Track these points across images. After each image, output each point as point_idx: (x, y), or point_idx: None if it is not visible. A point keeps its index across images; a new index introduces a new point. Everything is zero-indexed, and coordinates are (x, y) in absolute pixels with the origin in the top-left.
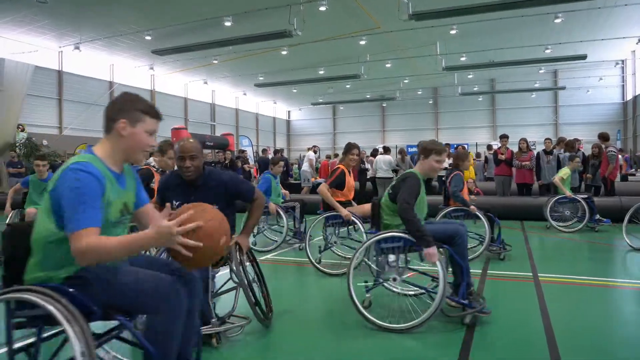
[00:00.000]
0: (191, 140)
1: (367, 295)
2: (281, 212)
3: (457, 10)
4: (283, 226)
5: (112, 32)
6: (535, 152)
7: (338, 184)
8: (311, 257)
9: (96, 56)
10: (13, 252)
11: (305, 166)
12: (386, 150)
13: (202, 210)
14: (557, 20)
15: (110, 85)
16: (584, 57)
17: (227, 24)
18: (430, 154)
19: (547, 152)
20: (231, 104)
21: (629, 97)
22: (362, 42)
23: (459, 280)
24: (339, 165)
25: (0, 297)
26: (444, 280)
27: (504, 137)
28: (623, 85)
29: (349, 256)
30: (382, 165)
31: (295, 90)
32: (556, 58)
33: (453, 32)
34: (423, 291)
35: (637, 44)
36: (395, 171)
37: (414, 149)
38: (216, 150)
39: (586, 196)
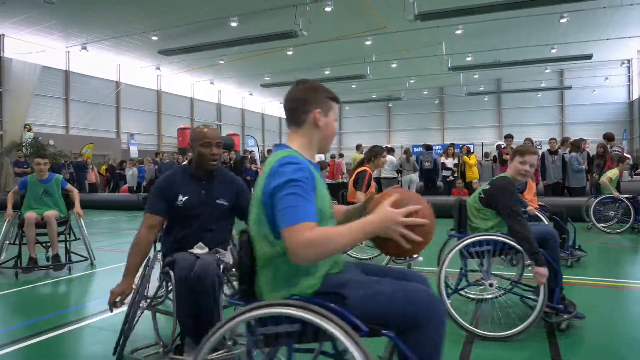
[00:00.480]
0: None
1: (448, 301)
2: None
3: (461, 10)
4: None
5: (118, 32)
6: (540, 152)
7: (368, 187)
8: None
9: (103, 56)
10: (251, 262)
11: None
12: (389, 150)
13: (423, 206)
14: (563, 20)
15: (116, 85)
16: (589, 56)
17: (233, 24)
18: (514, 155)
19: (552, 152)
20: (237, 104)
21: (635, 96)
22: (368, 42)
23: (553, 285)
24: (366, 169)
25: (257, 313)
26: (546, 285)
27: (508, 137)
28: (629, 85)
29: (365, 257)
30: (385, 166)
31: None
32: (562, 58)
33: (458, 32)
34: (498, 295)
35: None
36: (399, 171)
37: (420, 149)
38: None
39: (631, 196)
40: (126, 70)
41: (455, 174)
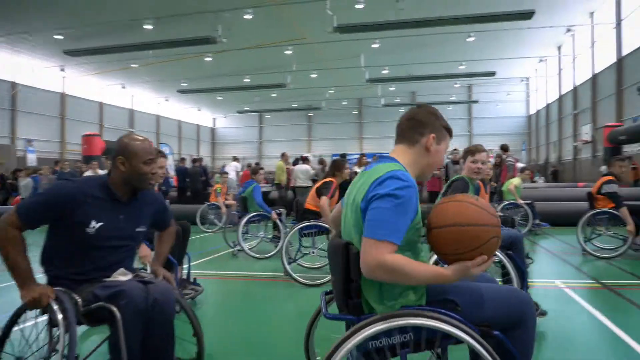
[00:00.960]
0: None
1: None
2: (280, 220)
3: (377, 25)
4: (277, 236)
5: (15, 28)
6: (444, 162)
7: (332, 197)
8: (289, 269)
9: None
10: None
11: (231, 175)
12: (305, 160)
13: (477, 237)
14: (470, 39)
15: (12, 86)
16: (493, 73)
17: (148, 27)
18: (466, 156)
19: (455, 162)
20: (152, 109)
21: (532, 111)
22: (288, 52)
23: (520, 285)
24: (332, 179)
25: (391, 324)
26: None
27: None
28: (527, 101)
29: (316, 266)
30: (300, 175)
31: (220, 98)
32: (469, 74)
33: (375, 45)
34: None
35: (539, 62)
36: (314, 180)
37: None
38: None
39: (529, 202)
40: (25, 70)
41: None
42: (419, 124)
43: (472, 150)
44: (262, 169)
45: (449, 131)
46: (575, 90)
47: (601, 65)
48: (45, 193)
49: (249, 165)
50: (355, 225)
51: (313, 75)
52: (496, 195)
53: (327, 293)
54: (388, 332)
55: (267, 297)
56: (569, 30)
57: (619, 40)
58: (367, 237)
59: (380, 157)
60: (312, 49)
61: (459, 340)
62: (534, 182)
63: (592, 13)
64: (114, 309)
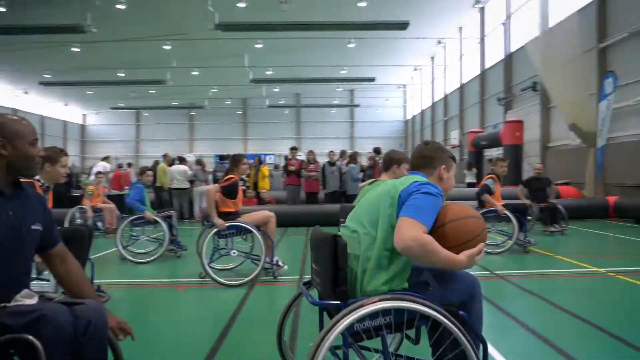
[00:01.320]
0: None
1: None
2: (160, 221)
3: (260, 26)
4: (162, 239)
5: None
6: (321, 164)
7: (230, 191)
8: (209, 270)
9: None
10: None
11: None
12: (182, 160)
13: (472, 230)
14: (350, 45)
15: None
16: (372, 79)
17: (1, 9)
18: (401, 162)
19: (331, 164)
20: (8, 103)
21: (409, 116)
22: (167, 47)
23: None
24: (232, 175)
25: (372, 308)
26: None
27: (293, 149)
28: (405, 106)
29: (230, 266)
30: (177, 176)
31: (91, 93)
32: (350, 78)
33: (259, 45)
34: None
35: (414, 71)
36: (191, 182)
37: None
38: None
39: None
40: None
41: (247, 184)
42: (431, 160)
43: (399, 160)
44: (150, 169)
45: (453, 159)
46: (445, 98)
47: (468, 76)
48: None
49: (119, 166)
50: (389, 213)
51: (194, 73)
52: None
53: (305, 284)
54: (373, 315)
55: (173, 302)
56: (439, 42)
57: (482, 54)
58: (408, 217)
59: (411, 172)
60: (193, 46)
61: (434, 322)
62: None
63: (460, 28)
64: (33, 339)
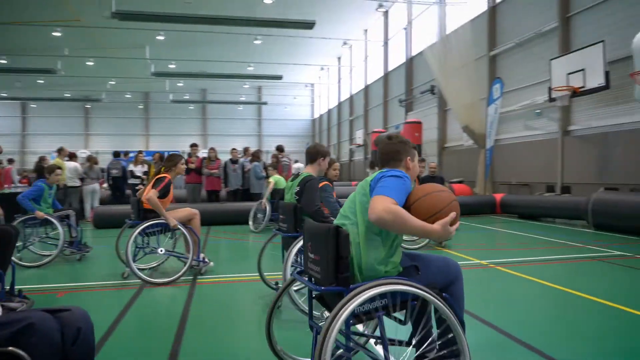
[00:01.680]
0: None
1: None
2: (55, 221)
3: (160, 16)
4: (58, 239)
5: None
6: (223, 162)
7: (164, 192)
8: (136, 270)
9: None
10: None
11: None
12: (72, 156)
13: (443, 201)
14: (257, 42)
15: None
16: (280, 77)
17: None
18: (327, 155)
19: (234, 161)
20: None
21: (317, 115)
22: (57, 34)
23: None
24: (166, 175)
25: (375, 292)
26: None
27: (194, 146)
28: (312, 105)
29: (153, 265)
30: (67, 173)
31: None
32: (257, 76)
33: (160, 37)
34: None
35: (321, 70)
36: (82, 179)
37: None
38: None
39: (273, 200)
40: None
41: (145, 182)
42: (397, 154)
43: (326, 152)
44: (59, 168)
45: (414, 147)
46: (351, 98)
47: (373, 78)
48: None
49: (9, 161)
50: (363, 204)
51: (89, 63)
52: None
53: (299, 272)
54: (372, 298)
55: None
56: (345, 43)
57: (386, 57)
58: (377, 195)
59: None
60: (88, 34)
61: (423, 301)
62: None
63: (366, 30)
64: (21, 352)
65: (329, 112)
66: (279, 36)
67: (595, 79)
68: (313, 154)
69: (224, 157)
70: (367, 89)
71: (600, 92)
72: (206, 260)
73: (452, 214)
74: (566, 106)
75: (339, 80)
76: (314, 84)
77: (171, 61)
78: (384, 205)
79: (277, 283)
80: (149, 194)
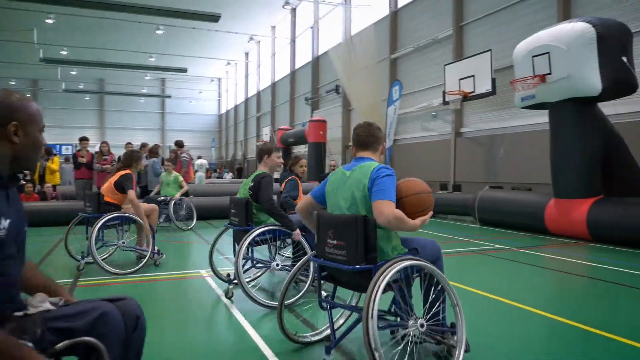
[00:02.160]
0: None
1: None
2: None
3: None
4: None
5: None
6: (115, 156)
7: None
8: (99, 261)
9: None
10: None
11: None
12: None
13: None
14: (159, 32)
15: None
16: (184, 70)
17: None
18: (271, 152)
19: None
20: None
21: (223, 110)
22: None
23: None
24: (129, 171)
25: (401, 266)
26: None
27: (84, 140)
28: (219, 100)
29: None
30: None
31: None
32: (160, 67)
33: (50, 21)
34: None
35: (228, 65)
36: None
37: None
38: None
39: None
40: None
41: (28, 178)
42: (377, 139)
43: (269, 149)
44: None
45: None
46: (259, 94)
47: (280, 75)
48: None
49: None
50: (362, 199)
51: None
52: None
53: (315, 256)
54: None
55: None
56: (252, 38)
57: (293, 55)
58: (382, 199)
59: (360, 158)
60: None
61: (422, 273)
62: (221, 177)
63: (274, 27)
64: (98, 342)
65: (236, 107)
66: (183, 28)
67: (484, 85)
68: (258, 154)
69: (120, 152)
70: (274, 85)
71: (488, 98)
72: (160, 252)
73: (430, 213)
74: (458, 109)
75: (247, 76)
76: (221, 78)
77: (63, 47)
78: (390, 210)
79: (228, 275)
80: (131, 195)
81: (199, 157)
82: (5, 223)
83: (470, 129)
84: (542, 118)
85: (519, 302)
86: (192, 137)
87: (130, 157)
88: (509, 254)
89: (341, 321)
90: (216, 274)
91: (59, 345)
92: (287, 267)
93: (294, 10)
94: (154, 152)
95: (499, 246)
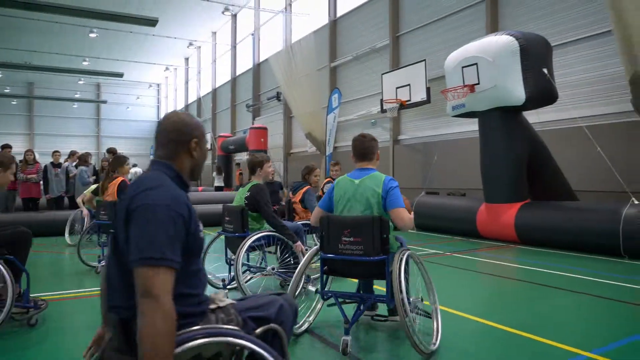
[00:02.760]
0: None
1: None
2: None
3: None
4: None
5: None
6: (42, 165)
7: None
8: None
9: None
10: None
11: None
12: None
13: None
14: (93, 35)
15: None
16: (121, 75)
17: None
18: (263, 164)
19: (55, 165)
20: None
21: (162, 117)
22: None
23: None
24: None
25: (406, 255)
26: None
27: (6, 147)
28: (158, 106)
29: None
30: None
31: None
32: (94, 72)
33: None
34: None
35: (168, 71)
36: None
37: None
38: None
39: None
40: None
41: None
42: (373, 148)
43: (261, 161)
44: None
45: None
46: (199, 100)
47: (221, 81)
48: (161, 216)
49: None
50: (377, 204)
51: None
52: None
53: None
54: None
55: None
56: (191, 44)
57: (234, 61)
58: (398, 207)
59: (363, 169)
60: None
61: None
62: None
63: (214, 33)
64: (281, 329)
65: None
66: (119, 31)
67: (419, 94)
68: (251, 168)
69: (48, 160)
70: (215, 92)
71: (423, 106)
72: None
73: (412, 214)
74: (396, 117)
75: (187, 82)
76: (160, 84)
77: None
78: (408, 217)
79: (223, 280)
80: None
81: (134, 165)
82: (201, 226)
83: (408, 137)
84: (473, 126)
85: (452, 307)
86: (130, 144)
87: (116, 163)
88: (443, 258)
89: (319, 306)
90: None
91: (258, 330)
92: (281, 272)
93: (234, 16)
94: (83, 159)
95: (434, 251)
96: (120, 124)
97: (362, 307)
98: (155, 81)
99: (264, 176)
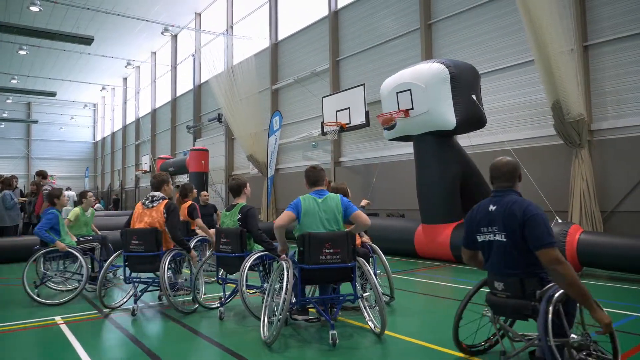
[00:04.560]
0: None
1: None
2: (78, 255)
3: None
4: (82, 273)
5: None
6: None
7: None
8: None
9: None
10: None
11: None
12: None
13: None
14: (22, 52)
15: None
16: (53, 94)
17: None
18: (243, 187)
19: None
20: None
21: (99, 137)
22: None
23: None
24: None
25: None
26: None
27: None
28: (95, 127)
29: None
30: None
31: None
32: (24, 90)
33: None
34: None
35: (104, 90)
36: None
37: None
38: None
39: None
40: None
41: None
42: (323, 177)
43: (241, 185)
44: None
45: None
46: (138, 121)
47: (161, 101)
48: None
49: None
50: (339, 216)
51: None
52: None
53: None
54: None
55: None
56: (129, 63)
57: (174, 82)
58: (357, 211)
59: (320, 191)
60: None
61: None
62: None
63: (154, 53)
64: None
65: (113, 135)
66: (52, 49)
67: (359, 117)
68: (236, 189)
69: None
70: (154, 113)
71: (363, 129)
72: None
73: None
74: (336, 140)
75: (125, 102)
76: (96, 104)
77: None
78: (366, 216)
79: (220, 298)
80: (199, 222)
81: (68, 189)
82: None
83: (348, 159)
84: (411, 148)
85: (391, 330)
86: (63, 166)
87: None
88: (382, 279)
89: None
90: (200, 303)
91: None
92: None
93: (175, 37)
94: (6, 183)
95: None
96: (52, 144)
97: (337, 307)
98: (91, 101)
99: (248, 196)
